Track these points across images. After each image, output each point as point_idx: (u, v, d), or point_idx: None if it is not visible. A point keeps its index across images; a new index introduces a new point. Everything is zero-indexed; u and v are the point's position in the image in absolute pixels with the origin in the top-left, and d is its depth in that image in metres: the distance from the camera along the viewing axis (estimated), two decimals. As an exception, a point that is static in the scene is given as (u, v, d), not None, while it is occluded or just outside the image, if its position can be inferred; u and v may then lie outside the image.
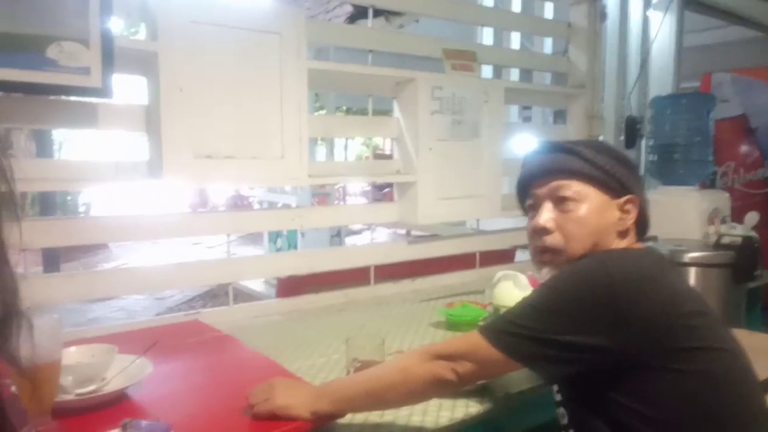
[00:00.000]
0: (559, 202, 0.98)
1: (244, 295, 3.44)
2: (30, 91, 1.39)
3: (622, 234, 0.98)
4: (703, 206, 2.22)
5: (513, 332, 0.87)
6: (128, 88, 1.79)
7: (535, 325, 0.86)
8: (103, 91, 1.42)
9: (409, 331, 1.52)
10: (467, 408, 1.06)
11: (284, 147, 1.70)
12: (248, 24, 1.62)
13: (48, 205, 6.50)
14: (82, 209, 8.01)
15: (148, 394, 1.04)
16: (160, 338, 1.34)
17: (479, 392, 1.10)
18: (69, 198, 7.73)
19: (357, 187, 10.16)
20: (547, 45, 2.87)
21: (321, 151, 6.33)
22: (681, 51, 2.90)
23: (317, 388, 0.99)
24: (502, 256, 2.54)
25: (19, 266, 1.48)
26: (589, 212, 0.96)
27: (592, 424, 0.88)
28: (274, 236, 5.34)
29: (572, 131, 2.58)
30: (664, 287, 0.87)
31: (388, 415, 1.02)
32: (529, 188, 1.03)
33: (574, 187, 0.96)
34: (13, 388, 0.88)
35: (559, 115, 3.04)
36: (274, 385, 0.96)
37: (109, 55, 1.40)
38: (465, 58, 2.13)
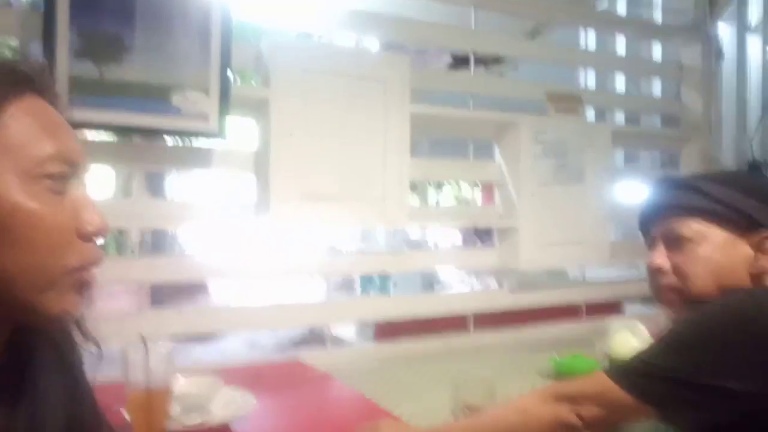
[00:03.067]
0: (675, 242, 0.91)
1: (335, 343, 3.44)
2: (156, 134, 1.50)
3: (758, 276, 0.86)
4: None
5: (645, 372, 0.78)
6: (239, 131, 1.89)
7: (671, 364, 0.76)
8: (218, 134, 1.51)
9: (516, 380, 1.43)
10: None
11: (385, 189, 1.71)
12: (355, 71, 1.67)
13: (156, 246, 6.98)
14: (186, 248, 8.48)
15: (252, 429, 1.03)
16: (264, 376, 1.35)
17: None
18: (175, 244, 8.24)
19: (448, 240, 10.08)
20: (656, 89, 2.74)
21: (415, 201, 6.39)
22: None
23: (427, 430, 0.94)
24: (610, 308, 2.37)
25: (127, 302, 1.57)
26: (708, 251, 0.88)
27: None
28: (366, 285, 5.36)
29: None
30: None
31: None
32: (647, 228, 0.98)
33: (691, 226, 0.90)
34: (126, 417, 0.90)
35: (670, 161, 2.87)
36: (382, 425, 0.92)
37: (226, 102, 1.49)
38: (570, 102, 2.08)
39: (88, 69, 1.35)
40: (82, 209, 0.54)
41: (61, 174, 0.52)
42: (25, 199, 0.50)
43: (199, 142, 1.66)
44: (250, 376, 1.32)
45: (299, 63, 1.60)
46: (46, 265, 0.51)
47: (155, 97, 1.43)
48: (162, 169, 2.01)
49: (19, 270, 0.50)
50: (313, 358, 1.67)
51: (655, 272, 0.94)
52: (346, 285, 6.06)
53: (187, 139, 1.58)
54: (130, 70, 1.40)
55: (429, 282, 5.68)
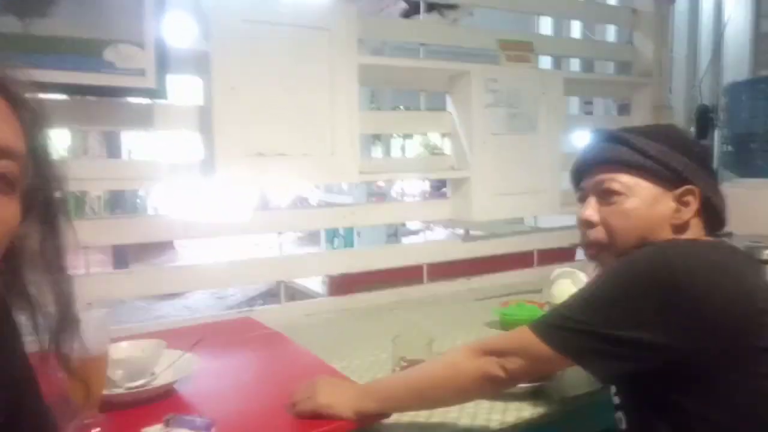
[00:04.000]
0: (605, 195, 0.93)
1: (301, 294, 3.46)
2: (88, 93, 1.43)
3: (680, 228, 0.89)
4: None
5: (563, 326, 0.81)
6: (186, 89, 1.83)
7: (586, 317, 0.80)
8: (158, 92, 1.45)
9: (462, 331, 1.47)
10: (519, 412, 1.00)
11: (335, 144, 1.69)
12: (298, 21, 1.61)
13: (119, 206, 6.84)
14: (151, 211, 8.37)
15: (195, 390, 1.04)
16: (210, 334, 1.36)
17: (533, 396, 1.04)
18: (138, 200, 8.09)
19: (416, 188, 10.07)
20: (610, 34, 2.73)
21: (378, 152, 6.33)
22: (758, 36, 2.70)
23: (362, 387, 0.96)
24: (562, 255, 2.43)
25: (87, 264, 1.55)
26: (636, 205, 0.90)
27: (654, 429, 0.81)
28: (331, 236, 5.39)
29: (637, 123, 2.44)
30: (736, 280, 0.79)
31: (436, 417, 0.98)
32: (579, 181, 0.99)
33: (620, 179, 0.91)
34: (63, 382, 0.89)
35: (624, 107, 2.89)
36: (317, 383, 0.94)
37: (163, 57, 1.42)
38: (521, 49, 2.06)
39: (10, 23, 1.27)
40: None
41: None
42: None
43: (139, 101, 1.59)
44: (198, 335, 1.33)
45: (240, 13, 1.53)
46: None
47: (86, 52, 1.36)
48: (103, 128, 1.93)
49: None
50: (267, 312, 1.69)
51: (583, 225, 0.96)
52: (312, 236, 6.06)
53: (126, 98, 1.51)
54: (57, 24, 1.32)
55: (394, 229, 5.73)
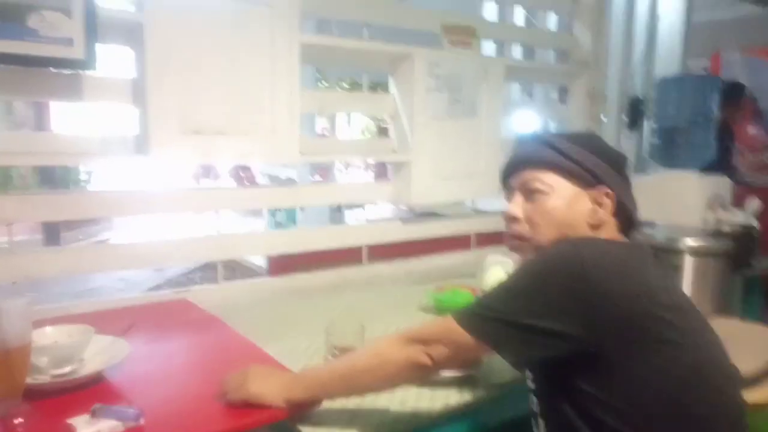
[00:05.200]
0: (529, 193, 0.99)
1: (243, 269, 3.40)
2: (10, 62, 1.34)
3: (596, 226, 0.96)
4: (702, 191, 2.17)
5: (482, 315, 0.87)
6: (118, 60, 1.75)
7: (502, 307, 0.85)
8: (87, 63, 1.38)
9: (397, 316, 1.50)
10: (447, 399, 1.04)
11: (275, 122, 1.66)
12: (238, -6, 1.56)
13: (48, 176, 6.49)
14: (83, 178, 7.97)
15: (125, 377, 1.02)
16: (145, 318, 1.33)
17: (460, 383, 1.09)
18: (83, 177, 7.69)
19: (360, 165, 10.05)
20: (552, 22, 2.79)
21: (323, 123, 6.25)
22: (690, 27, 2.82)
23: (292, 376, 0.98)
24: (499, 238, 2.50)
25: (14, 236, 1.47)
26: (556, 203, 0.96)
27: (561, 412, 0.87)
28: (274, 210, 5.32)
29: (573, 110, 2.52)
30: (638, 277, 0.86)
31: (365, 405, 1.00)
32: (507, 179, 1.05)
33: (543, 178, 0.98)
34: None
35: (563, 94, 2.97)
36: (249, 372, 0.94)
37: (93, 26, 1.36)
38: (464, 34, 2.07)
39: None
40: None
41: None
42: None
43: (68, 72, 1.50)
44: (132, 318, 1.30)
45: (176, -17, 1.47)
46: None
47: (7, 18, 1.28)
48: (29, 98, 1.82)
49: None
50: (205, 292, 1.67)
51: (509, 220, 1.02)
52: (256, 212, 5.96)
53: (51, 68, 1.43)
54: (-25, -13, 1.24)
55: (339, 208, 5.71)
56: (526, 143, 1.03)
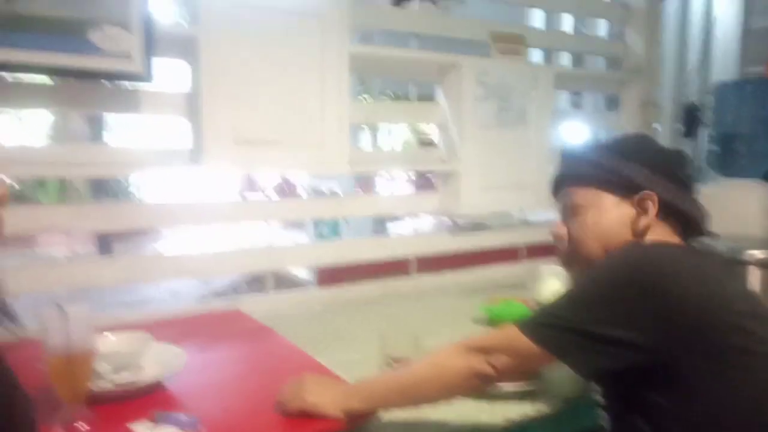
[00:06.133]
0: (569, 210, 1.00)
1: (288, 281, 3.42)
2: (71, 75, 1.39)
3: (641, 233, 0.94)
4: (764, 200, 2.07)
5: (549, 323, 0.84)
6: (173, 73, 1.79)
7: (570, 315, 0.82)
8: (144, 76, 1.41)
9: (448, 328, 1.46)
10: (507, 413, 1.00)
11: (324, 134, 1.66)
12: (289, 6, 1.58)
13: (100, 188, 6.72)
14: (133, 191, 8.20)
15: (182, 385, 1.03)
16: (198, 327, 1.34)
17: (520, 397, 1.05)
18: (130, 188, 7.92)
19: (403, 174, 10.05)
20: (601, 29, 2.73)
21: (365, 137, 6.29)
22: (747, 33, 2.71)
23: (349, 386, 0.96)
24: (549, 250, 2.44)
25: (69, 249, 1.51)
26: (595, 217, 0.96)
27: (634, 428, 0.82)
28: (319, 224, 5.35)
29: (625, 119, 2.45)
30: (714, 283, 0.83)
31: (422, 418, 0.97)
32: (553, 196, 1.07)
33: (580, 193, 0.99)
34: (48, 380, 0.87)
35: (612, 102, 2.90)
36: (305, 381, 0.93)
37: (150, 40, 1.39)
38: (513, 42, 2.04)
39: (-6, 0, 1.23)
40: None
41: None
42: None
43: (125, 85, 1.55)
44: (187, 327, 1.32)
45: (230, -3, 1.50)
46: None
47: (69, 33, 1.32)
48: (88, 111, 1.88)
49: None
50: (255, 303, 1.67)
51: (555, 239, 1.04)
52: (299, 225, 6.01)
53: (110, 81, 1.48)
54: (41, 3, 1.28)
55: (381, 220, 5.70)
56: (566, 159, 1.05)
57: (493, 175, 2.01)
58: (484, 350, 0.87)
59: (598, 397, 0.93)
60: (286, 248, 1.90)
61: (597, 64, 2.70)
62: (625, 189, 0.94)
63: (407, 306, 1.73)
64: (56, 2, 1.31)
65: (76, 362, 0.87)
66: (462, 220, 2.09)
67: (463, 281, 2.05)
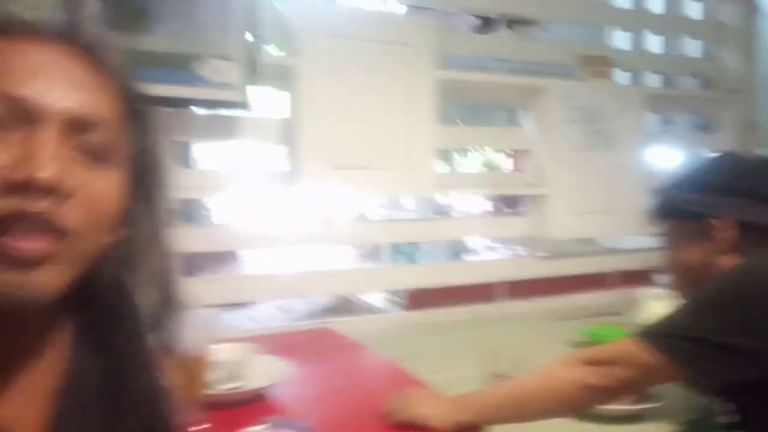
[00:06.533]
0: (662, 242, 1.06)
1: (363, 312, 3.43)
2: (180, 106, 1.49)
3: (720, 258, 0.94)
4: None
5: (674, 333, 0.81)
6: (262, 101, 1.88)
7: (696, 325, 0.80)
8: (244, 104, 1.50)
9: (546, 350, 1.42)
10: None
11: (412, 157, 1.69)
12: (381, 35, 1.64)
13: (188, 217, 7.05)
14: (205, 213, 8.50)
15: (285, 396, 1.05)
16: (292, 344, 1.37)
17: (629, 419, 1.00)
18: (204, 212, 8.28)
19: (476, 207, 9.95)
20: (691, 48, 2.64)
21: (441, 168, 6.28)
22: None
23: (459, 398, 0.95)
24: (639, 277, 2.34)
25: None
26: (680, 249, 1.01)
27: None
28: (395, 254, 5.36)
29: (722, 142, 2.33)
30: None
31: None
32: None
33: (664, 227, 1.05)
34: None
35: (705, 126, 2.77)
36: (413, 393, 0.93)
37: (252, 70, 1.47)
38: (601, 64, 2.01)
39: (122, 39, 1.34)
40: (19, 157, 0.43)
41: None
42: None
43: (224, 112, 1.64)
44: (282, 343, 1.35)
45: (325, 28, 1.58)
46: None
47: (181, 67, 1.42)
48: (190, 139, 2.00)
49: None
50: (343, 325, 1.69)
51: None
52: (374, 253, 6.06)
53: (213, 110, 1.57)
54: (156, 40, 1.39)
55: (456, 250, 5.64)
56: (653, 192, 1.11)
57: (582, 200, 1.96)
58: (598, 362, 0.85)
59: (722, 418, 0.87)
60: (373, 270, 1.92)
61: (689, 83, 2.60)
62: (696, 219, 0.97)
63: (496, 330, 1.70)
64: (169, 39, 1.42)
65: (195, 365, 0.91)
66: (542, 253, 2.04)
67: (551, 308, 1.99)
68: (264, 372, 1.09)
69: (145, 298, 0.59)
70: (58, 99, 0.46)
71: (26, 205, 0.43)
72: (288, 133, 1.59)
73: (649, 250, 2.18)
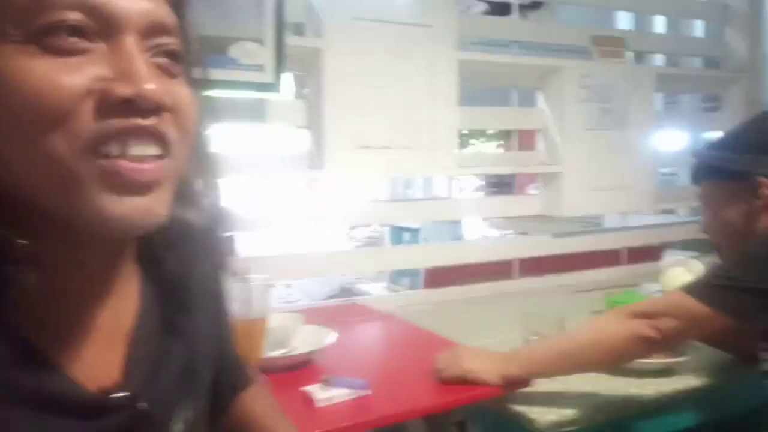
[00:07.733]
0: (700, 204, 1.09)
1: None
2: (215, 88, 1.52)
3: (758, 217, 0.97)
4: None
5: (721, 285, 0.85)
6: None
7: (742, 275, 0.84)
8: (275, 87, 1.54)
9: (577, 317, 1.47)
10: (659, 387, 1.01)
11: (435, 137, 1.74)
12: (403, 18, 1.68)
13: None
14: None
15: (332, 361, 1.08)
16: (327, 316, 1.42)
17: (665, 373, 1.05)
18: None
19: (471, 187, 10.02)
20: (697, 29, 2.69)
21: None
22: None
23: (506, 353, 0.99)
24: (649, 254, 2.40)
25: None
26: (718, 210, 1.03)
27: None
28: (396, 240, 5.41)
29: (727, 120, 2.39)
30: None
31: (570, 389, 0.99)
32: None
33: (703, 189, 1.07)
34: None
35: (710, 106, 2.83)
36: (460, 350, 0.98)
37: (281, 53, 1.51)
38: (613, 45, 2.06)
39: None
40: (118, 71, 0.39)
41: (77, 26, 0.39)
42: (8, 60, 0.38)
43: (253, 95, 1.68)
44: (318, 315, 1.39)
45: (350, 11, 1.61)
46: (44, 149, 0.38)
47: (215, 50, 1.46)
48: (221, 122, 2.01)
49: (19, 163, 0.38)
50: (365, 302, 1.73)
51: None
52: (376, 242, 6.09)
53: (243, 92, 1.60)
54: (193, 24, 1.42)
55: (456, 237, 5.70)
56: (693, 156, 1.14)
57: (595, 177, 2.02)
58: (648, 315, 0.88)
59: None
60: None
61: (694, 64, 2.66)
62: (737, 179, 0.99)
63: (521, 301, 1.75)
64: (203, 23, 1.45)
65: (255, 328, 0.96)
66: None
67: (566, 283, 2.05)
68: (311, 339, 1.14)
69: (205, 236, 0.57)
70: (133, 1, 0.42)
71: (139, 120, 0.40)
72: (312, 116, 1.63)
73: (655, 226, 2.27)
